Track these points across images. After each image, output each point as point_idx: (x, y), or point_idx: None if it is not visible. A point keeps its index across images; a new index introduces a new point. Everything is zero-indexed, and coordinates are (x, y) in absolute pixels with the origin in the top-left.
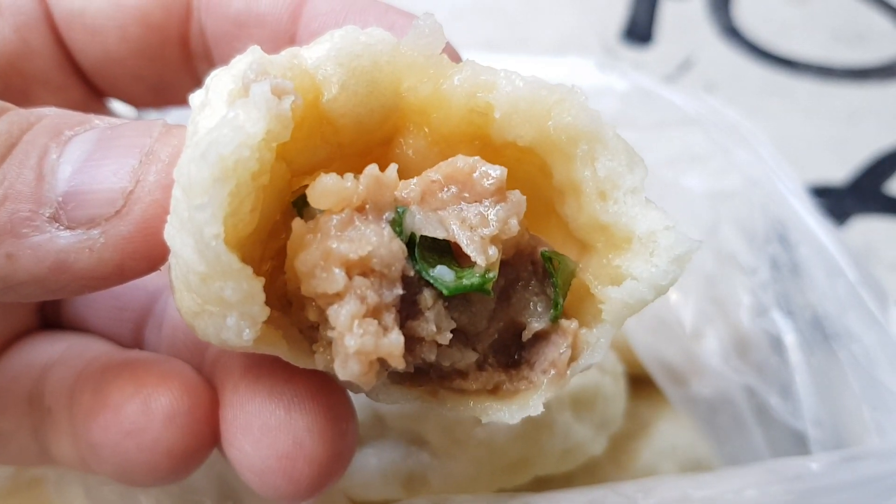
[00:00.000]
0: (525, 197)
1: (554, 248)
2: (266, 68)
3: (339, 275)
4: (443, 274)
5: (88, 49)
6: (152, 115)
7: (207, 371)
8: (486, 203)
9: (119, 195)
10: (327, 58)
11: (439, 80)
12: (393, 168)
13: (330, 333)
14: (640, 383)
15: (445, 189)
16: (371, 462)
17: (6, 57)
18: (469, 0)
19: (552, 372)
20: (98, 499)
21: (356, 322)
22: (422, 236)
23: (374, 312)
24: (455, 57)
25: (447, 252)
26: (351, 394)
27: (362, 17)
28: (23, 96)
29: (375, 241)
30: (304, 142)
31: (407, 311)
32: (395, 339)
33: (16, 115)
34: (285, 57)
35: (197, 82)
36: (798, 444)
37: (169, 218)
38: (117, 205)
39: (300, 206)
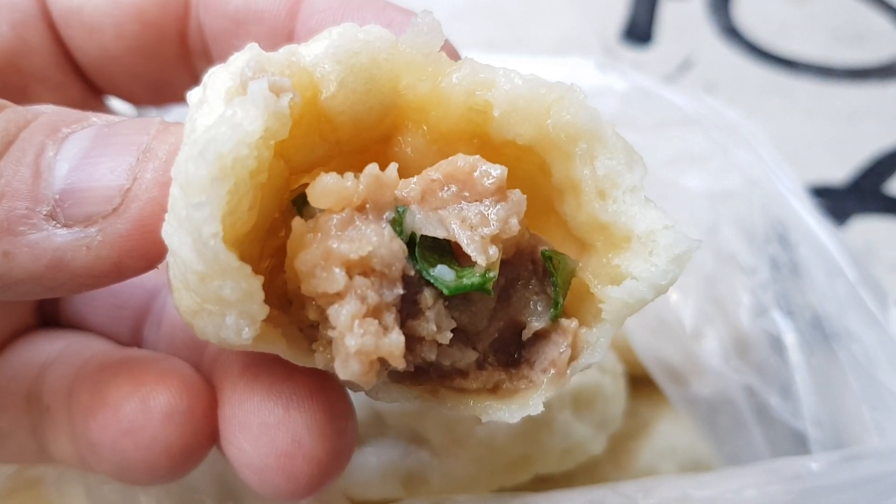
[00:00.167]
0: (525, 196)
1: (554, 246)
2: (264, 66)
3: (339, 274)
4: (443, 273)
5: (86, 46)
6: (152, 113)
7: (206, 369)
8: (487, 202)
9: (116, 193)
10: (325, 55)
11: (438, 77)
12: (393, 167)
13: (330, 333)
14: (640, 383)
15: (446, 188)
16: (370, 461)
17: (4, 54)
18: (469, 0)
19: (552, 371)
20: (98, 498)
21: (356, 322)
22: (422, 236)
23: (375, 312)
24: (454, 55)
25: (447, 251)
26: (350, 392)
27: (360, 14)
28: (21, 94)
29: (376, 240)
30: (303, 139)
31: (407, 310)
32: (396, 339)
33: (13, 113)
34: (283, 54)
35: (195, 79)
36: (798, 444)
37: (167, 216)
38: (114, 202)
39: (300, 204)
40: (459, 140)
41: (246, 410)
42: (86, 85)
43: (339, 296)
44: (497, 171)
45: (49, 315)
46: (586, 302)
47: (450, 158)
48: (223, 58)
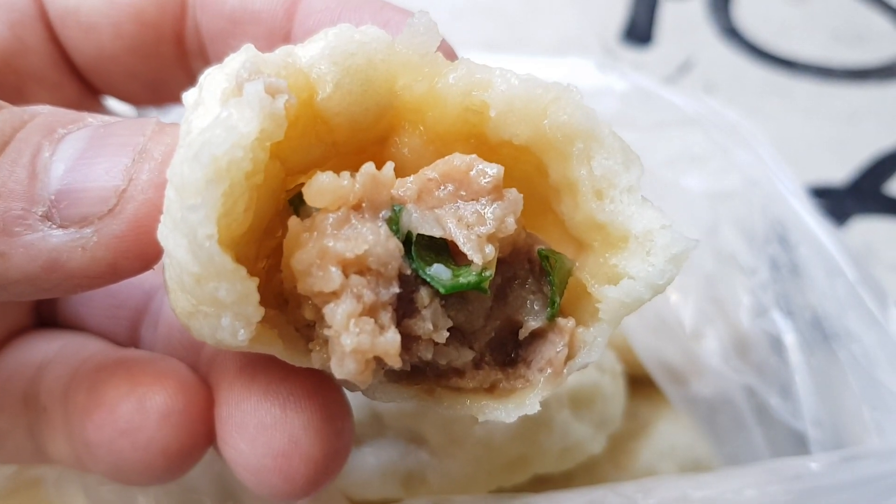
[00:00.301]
0: (522, 195)
1: (551, 246)
2: (260, 67)
3: (335, 273)
4: (439, 272)
5: (83, 46)
6: (152, 114)
7: (203, 369)
8: (483, 201)
9: (112, 193)
10: (321, 56)
11: (434, 78)
12: (389, 166)
13: (326, 332)
14: (640, 383)
15: (442, 187)
16: (369, 461)
17: (0, 54)
18: (469, 0)
19: (549, 370)
20: (97, 499)
21: (352, 321)
22: (418, 234)
23: (371, 311)
24: (451, 55)
25: (444, 250)
26: (348, 392)
27: (358, 14)
28: (18, 94)
29: (372, 239)
30: (299, 141)
31: (403, 309)
32: (392, 338)
33: (9, 114)
34: (279, 55)
35: (192, 80)
36: (798, 444)
37: (162, 218)
38: (110, 203)
39: (296, 203)
40: (456, 140)
41: (243, 411)
42: (83, 85)
43: (335, 295)
44: (493, 171)
45: (46, 315)
46: (583, 301)
47: (446, 157)
48: (220, 58)
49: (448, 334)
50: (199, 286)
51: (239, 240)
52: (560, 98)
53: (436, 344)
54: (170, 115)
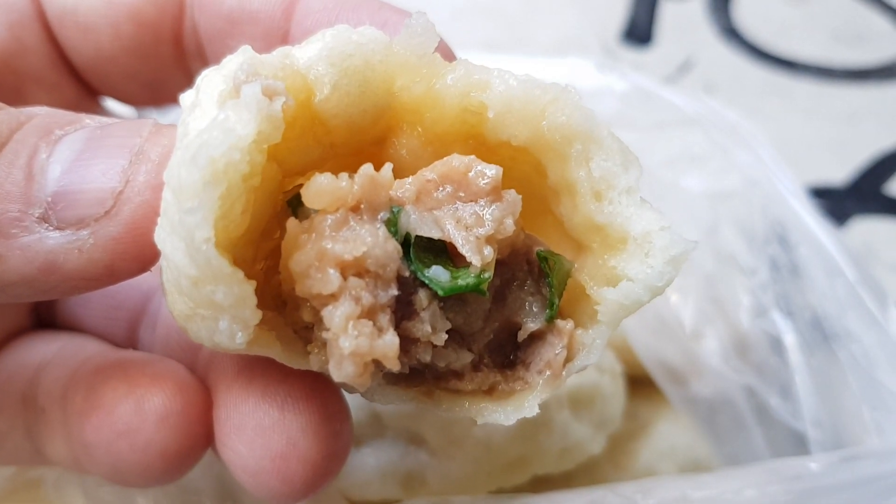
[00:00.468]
0: (520, 196)
1: (550, 247)
2: (257, 69)
3: (333, 275)
4: (438, 274)
5: (81, 47)
6: (151, 115)
7: (201, 371)
8: (482, 203)
9: (108, 195)
10: (319, 58)
11: (432, 79)
12: (388, 167)
13: (324, 334)
14: (640, 383)
15: (441, 188)
16: (369, 461)
17: None
18: (469, 0)
19: (548, 372)
20: (96, 500)
21: (351, 323)
22: (417, 236)
23: (369, 313)
24: (449, 56)
25: (442, 252)
26: (347, 393)
27: (356, 15)
28: (16, 95)
29: (370, 241)
30: (296, 142)
31: (402, 311)
32: (390, 341)
33: (6, 115)
34: (276, 57)
35: (191, 80)
36: (798, 445)
37: (159, 220)
38: (107, 205)
39: (294, 205)
40: (454, 141)
41: (241, 413)
42: (81, 86)
43: (333, 297)
44: (492, 172)
45: (45, 316)
46: (582, 303)
47: (445, 159)
48: (218, 58)
49: (447, 336)
50: (197, 289)
51: (236, 242)
52: (558, 99)
53: (434, 346)
54: (169, 115)
